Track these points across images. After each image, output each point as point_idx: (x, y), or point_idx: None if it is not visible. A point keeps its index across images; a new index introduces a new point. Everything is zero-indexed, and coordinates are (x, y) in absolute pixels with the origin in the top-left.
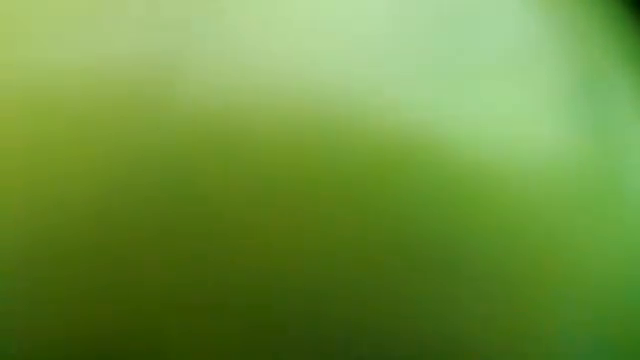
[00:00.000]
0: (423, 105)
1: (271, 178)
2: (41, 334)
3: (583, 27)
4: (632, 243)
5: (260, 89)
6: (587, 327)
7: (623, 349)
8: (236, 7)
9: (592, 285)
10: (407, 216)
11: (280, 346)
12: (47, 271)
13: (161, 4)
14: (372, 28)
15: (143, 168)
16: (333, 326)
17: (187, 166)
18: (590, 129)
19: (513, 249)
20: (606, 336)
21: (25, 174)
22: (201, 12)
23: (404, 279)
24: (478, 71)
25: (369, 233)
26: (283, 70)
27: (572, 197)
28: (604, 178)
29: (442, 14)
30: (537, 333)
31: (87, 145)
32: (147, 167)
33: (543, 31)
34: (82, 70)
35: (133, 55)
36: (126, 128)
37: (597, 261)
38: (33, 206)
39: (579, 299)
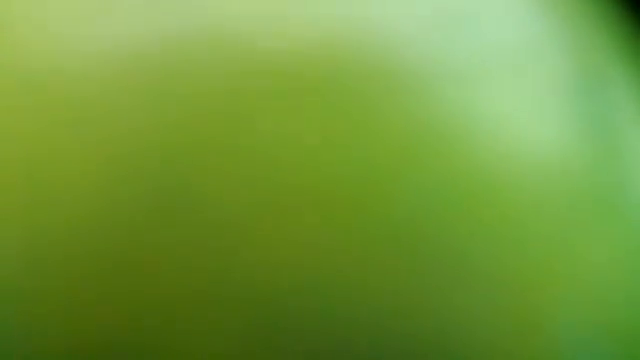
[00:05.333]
0: (423, 103)
1: (272, 176)
2: (41, 336)
3: (583, 27)
4: (633, 242)
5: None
6: (589, 325)
7: (625, 347)
8: None
9: (593, 284)
10: (407, 215)
11: (282, 344)
12: (47, 273)
13: None
14: (369, 27)
15: (142, 168)
16: (334, 324)
17: (180, 170)
18: (590, 128)
19: (512, 248)
20: (608, 335)
21: (26, 172)
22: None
23: (405, 278)
24: (478, 70)
25: (371, 231)
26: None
27: (572, 196)
28: (604, 177)
29: (441, 13)
30: (539, 332)
31: (91, 142)
32: (146, 166)
33: (543, 30)
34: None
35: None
36: (127, 128)
37: (597, 260)
38: (33, 206)
39: (581, 298)
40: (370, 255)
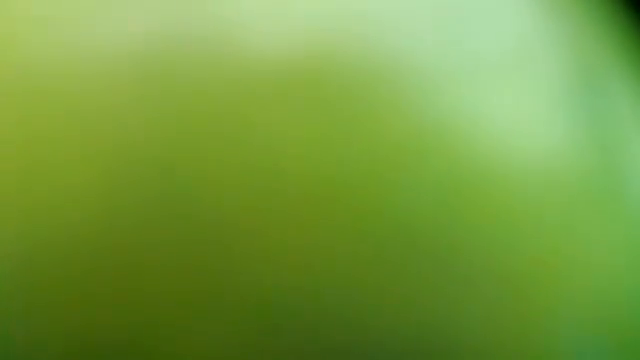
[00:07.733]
0: (420, 103)
1: (272, 176)
2: (40, 338)
3: (583, 26)
4: (631, 241)
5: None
6: (587, 325)
7: (624, 347)
8: None
9: (591, 283)
10: (406, 214)
11: (281, 345)
12: (46, 273)
13: None
14: (365, 27)
15: (141, 169)
16: (333, 324)
17: (182, 169)
18: (588, 128)
19: (511, 247)
20: (607, 334)
21: (24, 172)
22: None
23: (404, 278)
24: (477, 70)
25: (369, 231)
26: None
27: (570, 195)
28: (602, 176)
29: (440, 12)
30: (537, 331)
31: (89, 143)
32: (145, 167)
33: (542, 30)
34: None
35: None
36: (125, 129)
37: (596, 259)
38: (32, 209)
39: (579, 297)
40: (370, 254)
